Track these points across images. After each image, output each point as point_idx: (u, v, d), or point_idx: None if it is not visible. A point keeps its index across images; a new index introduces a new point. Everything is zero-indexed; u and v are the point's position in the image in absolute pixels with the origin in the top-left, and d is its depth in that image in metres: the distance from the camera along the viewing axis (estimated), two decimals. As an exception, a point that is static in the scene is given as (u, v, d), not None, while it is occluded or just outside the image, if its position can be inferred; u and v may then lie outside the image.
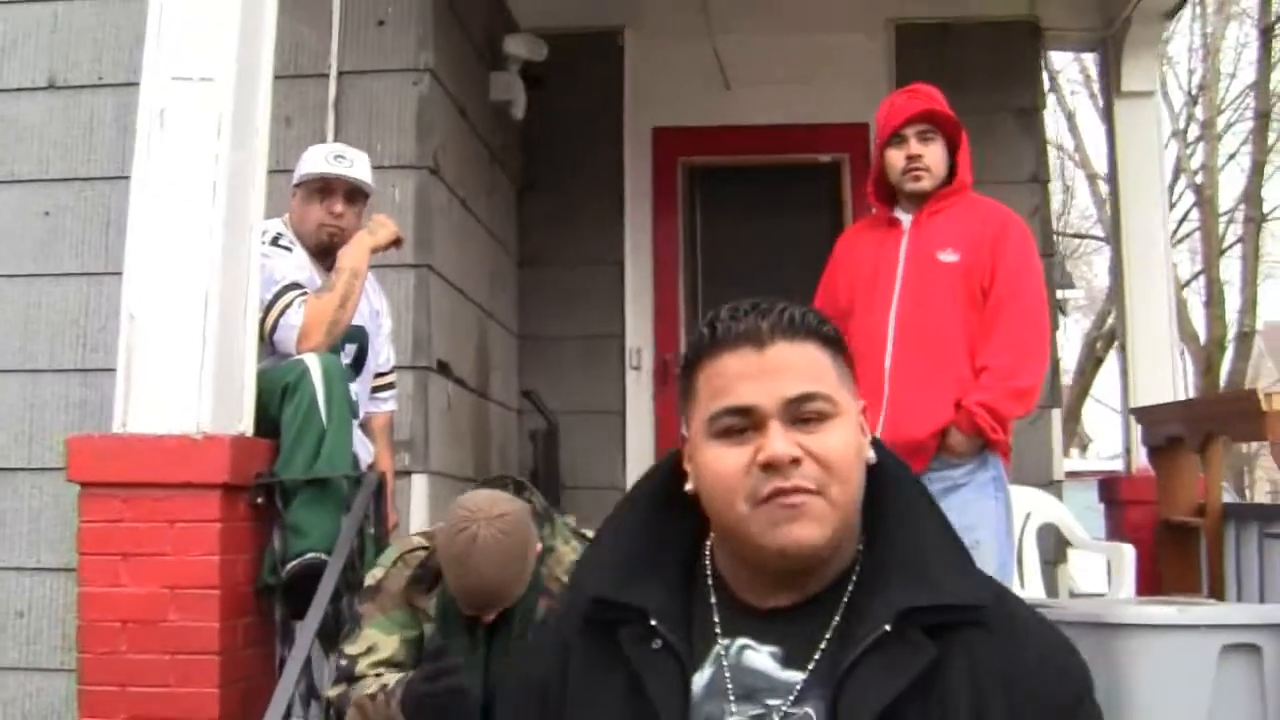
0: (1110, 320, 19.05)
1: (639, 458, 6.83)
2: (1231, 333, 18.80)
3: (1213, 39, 19.13)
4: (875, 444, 1.57)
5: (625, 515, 1.65)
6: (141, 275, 3.72)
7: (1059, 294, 16.58)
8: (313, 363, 3.79)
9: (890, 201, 4.18)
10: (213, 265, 3.68)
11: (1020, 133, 6.76)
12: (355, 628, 3.17)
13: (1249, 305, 18.95)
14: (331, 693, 3.19)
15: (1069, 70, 18.75)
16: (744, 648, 1.50)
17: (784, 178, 7.26)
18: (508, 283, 6.74)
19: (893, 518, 1.53)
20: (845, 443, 1.48)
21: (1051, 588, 6.22)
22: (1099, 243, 20.99)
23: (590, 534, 3.27)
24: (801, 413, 1.46)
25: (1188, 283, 19.89)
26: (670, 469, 1.62)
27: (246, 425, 3.78)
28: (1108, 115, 7.03)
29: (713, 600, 1.55)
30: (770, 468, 1.44)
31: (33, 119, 5.36)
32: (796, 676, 1.46)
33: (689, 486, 1.55)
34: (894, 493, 1.55)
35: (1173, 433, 5.74)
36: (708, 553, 1.59)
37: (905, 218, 4.11)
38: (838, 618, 1.48)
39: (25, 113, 5.37)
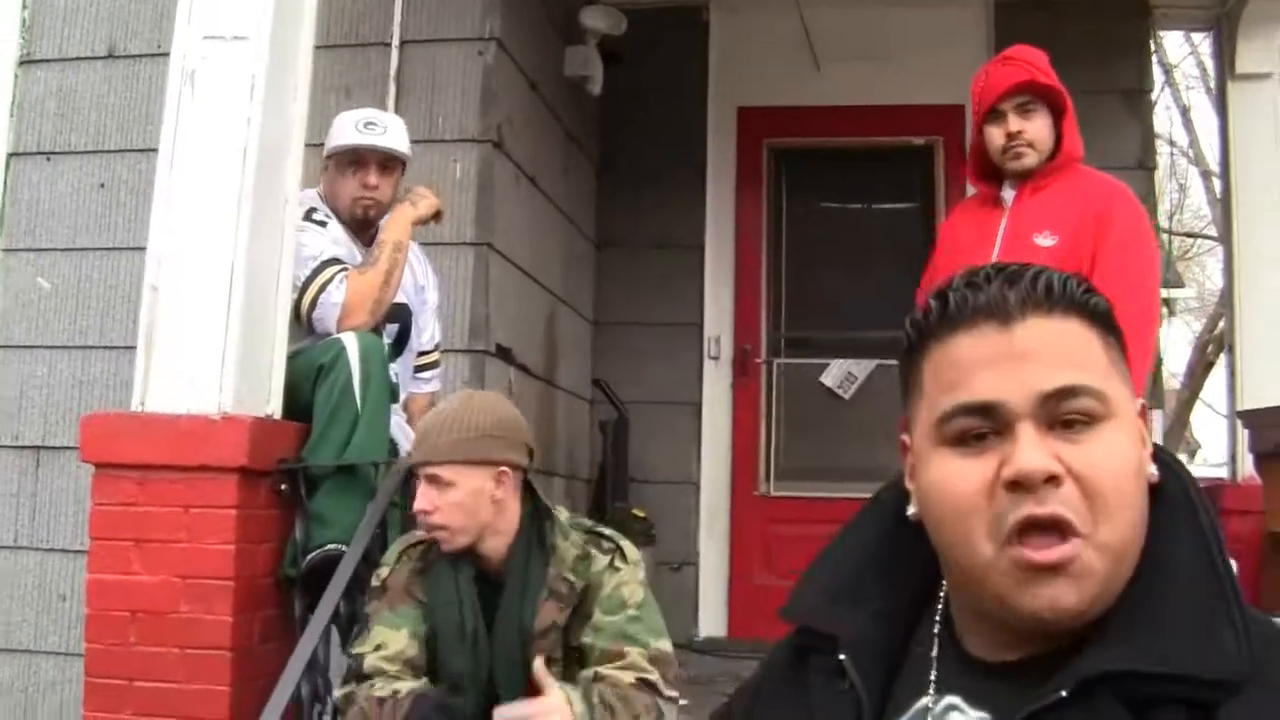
0: (1221, 324, 18.46)
1: (714, 452, 6.56)
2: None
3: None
4: (1161, 456, 1.19)
5: (848, 533, 1.34)
6: (165, 245, 3.53)
7: (1166, 293, 16.07)
8: (350, 342, 3.57)
9: (996, 181, 3.84)
10: (240, 236, 3.48)
11: (1126, 115, 6.35)
12: (364, 628, 2.95)
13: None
14: (338, 693, 2.96)
15: (1185, 64, 18.13)
16: (950, 709, 1.17)
17: (874, 161, 6.92)
18: (583, 266, 6.48)
19: (1154, 553, 1.14)
20: (1122, 457, 1.11)
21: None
22: (1212, 243, 20.30)
23: (607, 531, 3.05)
24: (1063, 413, 1.10)
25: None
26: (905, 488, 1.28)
27: (275, 407, 3.58)
28: (1220, 99, 6.60)
29: (934, 649, 1.22)
30: (1019, 487, 1.08)
31: (91, 89, 5.25)
32: None
33: (911, 510, 1.22)
34: (1165, 521, 1.15)
35: (1283, 439, 5.36)
36: (942, 591, 1.25)
37: (1008, 195, 3.77)
38: (1062, 694, 1.11)
39: (84, 83, 5.25)
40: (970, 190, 4.11)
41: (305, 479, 3.51)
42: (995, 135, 3.72)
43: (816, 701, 1.23)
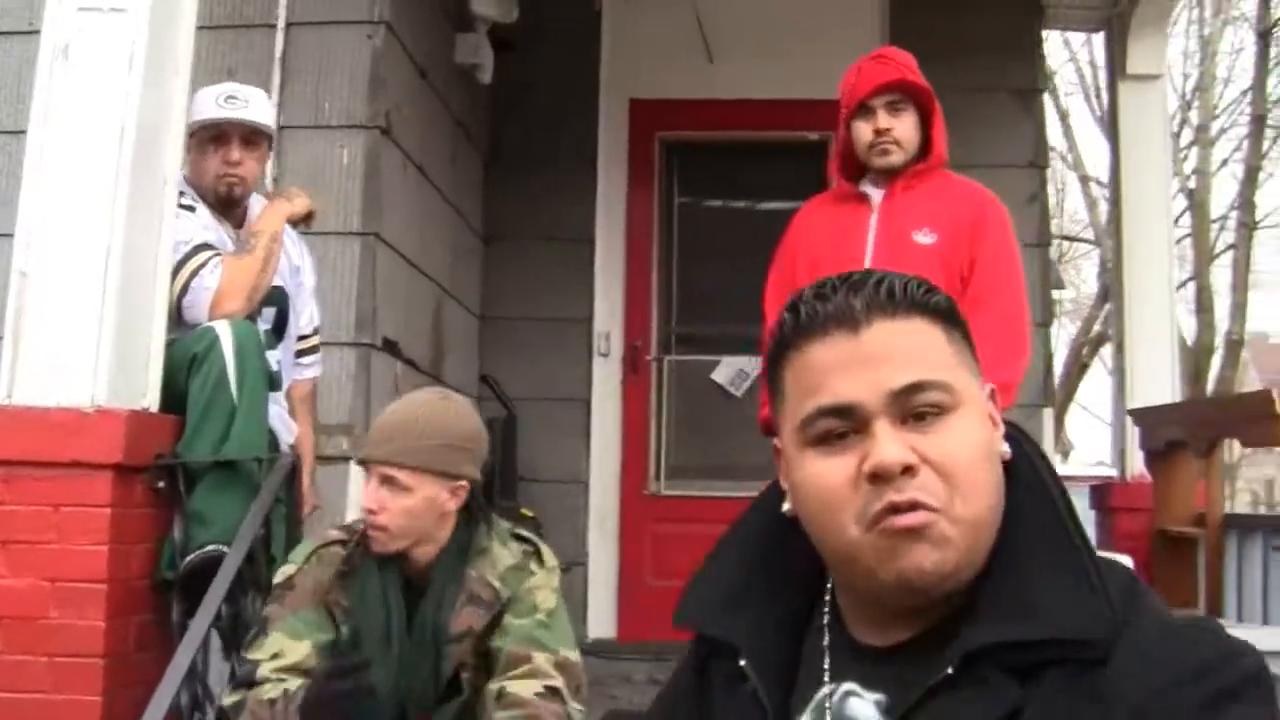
0: (1096, 326, 18.81)
1: (604, 450, 6.44)
2: (1220, 340, 18.52)
3: (1209, 41, 18.83)
4: (1011, 434, 1.28)
5: (733, 538, 1.40)
6: (35, 228, 3.33)
7: (1053, 294, 16.32)
8: (224, 331, 3.40)
9: (857, 178, 3.80)
10: (116, 218, 3.29)
11: (1019, 114, 6.36)
12: (260, 632, 2.77)
13: (1238, 313, 18.67)
14: (227, 700, 2.79)
15: (1065, 71, 18.47)
16: (848, 694, 1.24)
17: (769, 155, 6.86)
18: (470, 260, 6.32)
19: (1013, 527, 1.22)
20: (971, 441, 1.20)
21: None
22: (1088, 247, 20.69)
23: (526, 534, 2.91)
24: (913, 407, 1.19)
25: (1177, 288, 19.55)
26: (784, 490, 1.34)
27: (152, 400, 3.39)
28: (1112, 99, 6.66)
29: (825, 640, 1.29)
30: (879, 479, 1.17)
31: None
32: None
33: (786, 507, 1.29)
34: (1020, 496, 1.24)
35: (1174, 436, 5.42)
36: (830, 585, 1.32)
37: (874, 193, 3.72)
38: (949, 672, 1.18)
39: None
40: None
41: (184, 476, 3.32)
42: (863, 131, 3.68)
43: (719, 706, 1.30)
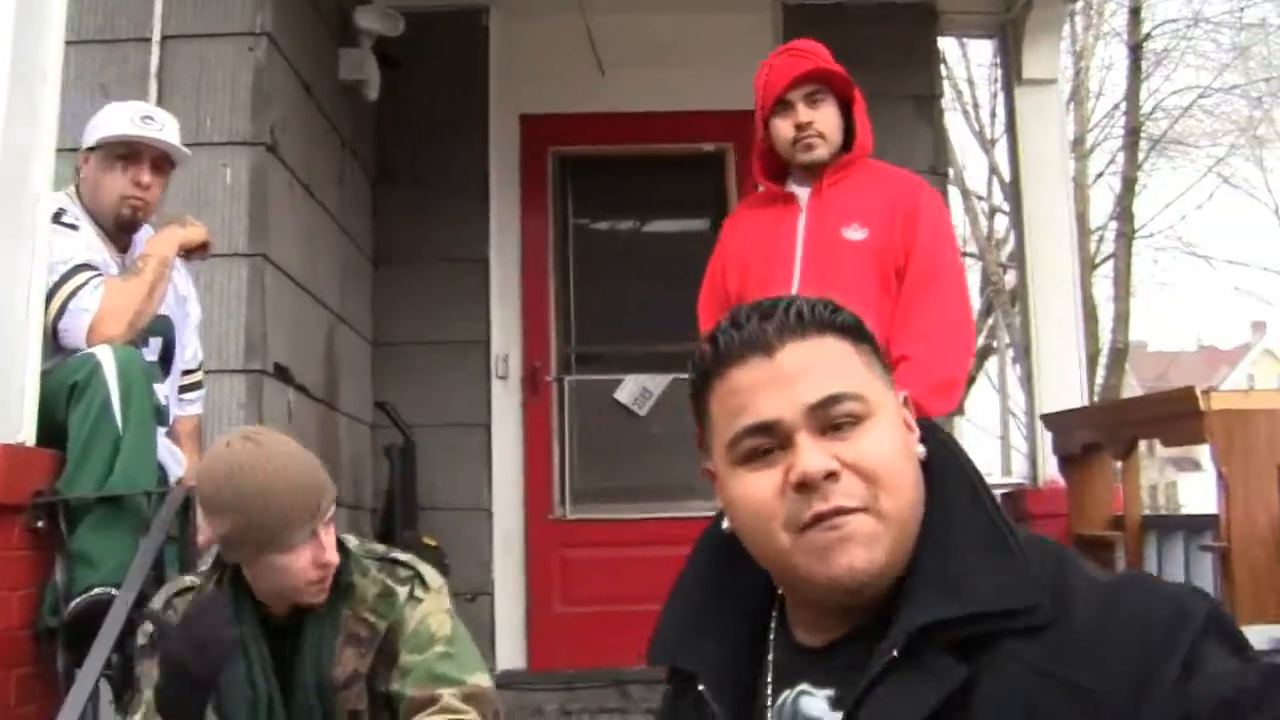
0: (980, 340, 18.96)
1: (506, 476, 6.22)
2: (1105, 349, 18.75)
3: (1081, 55, 19.14)
4: (925, 434, 1.38)
5: (685, 572, 1.51)
6: (-106, 251, 3.06)
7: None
8: (106, 356, 3.16)
9: (781, 178, 3.64)
10: (-19, 237, 3.04)
11: (918, 120, 6.30)
12: (136, 691, 2.52)
13: (1121, 321, 18.92)
14: None
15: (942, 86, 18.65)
16: (801, 694, 1.32)
17: (664, 168, 6.71)
18: (361, 283, 6.09)
19: (936, 517, 1.31)
20: (888, 445, 1.30)
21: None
22: (971, 262, 20.89)
23: (403, 557, 2.68)
24: (831, 418, 1.28)
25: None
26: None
27: (27, 434, 3.14)
28: (1009, 105, 6.63)
29: (771, 656, 1.38)
30: (805, 487, 1.26)
31: None
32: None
33: (725, 524, 1.38)
34: (939, 489, 1.33)
35: (1089, 440, 5.34)
36: (779, 595, 1.41)
37: (801, 192, 3.56)
38: (894, 655, 1.24)
39: None
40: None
41: (65, 514, 3.08)
42: (783, 127, 3.52)
43: None
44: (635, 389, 6.26)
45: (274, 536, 2.45)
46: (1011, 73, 6.50)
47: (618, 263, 6.60)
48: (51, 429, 3.17)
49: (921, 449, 1.35)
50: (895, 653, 1.20)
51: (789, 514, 1.26)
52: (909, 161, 6.03)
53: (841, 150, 3.56)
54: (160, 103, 4.46)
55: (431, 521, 5.86)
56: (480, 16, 6.41)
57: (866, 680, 1.21)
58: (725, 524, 1.37)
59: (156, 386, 3.48)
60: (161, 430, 3.53)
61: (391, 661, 2.55)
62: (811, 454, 1.25)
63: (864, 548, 1.24)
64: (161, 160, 3.58)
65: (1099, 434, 5.18)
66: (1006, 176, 7.97)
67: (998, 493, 6.54)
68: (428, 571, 2.67)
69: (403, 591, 2.60)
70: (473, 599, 5.99)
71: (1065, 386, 6.15)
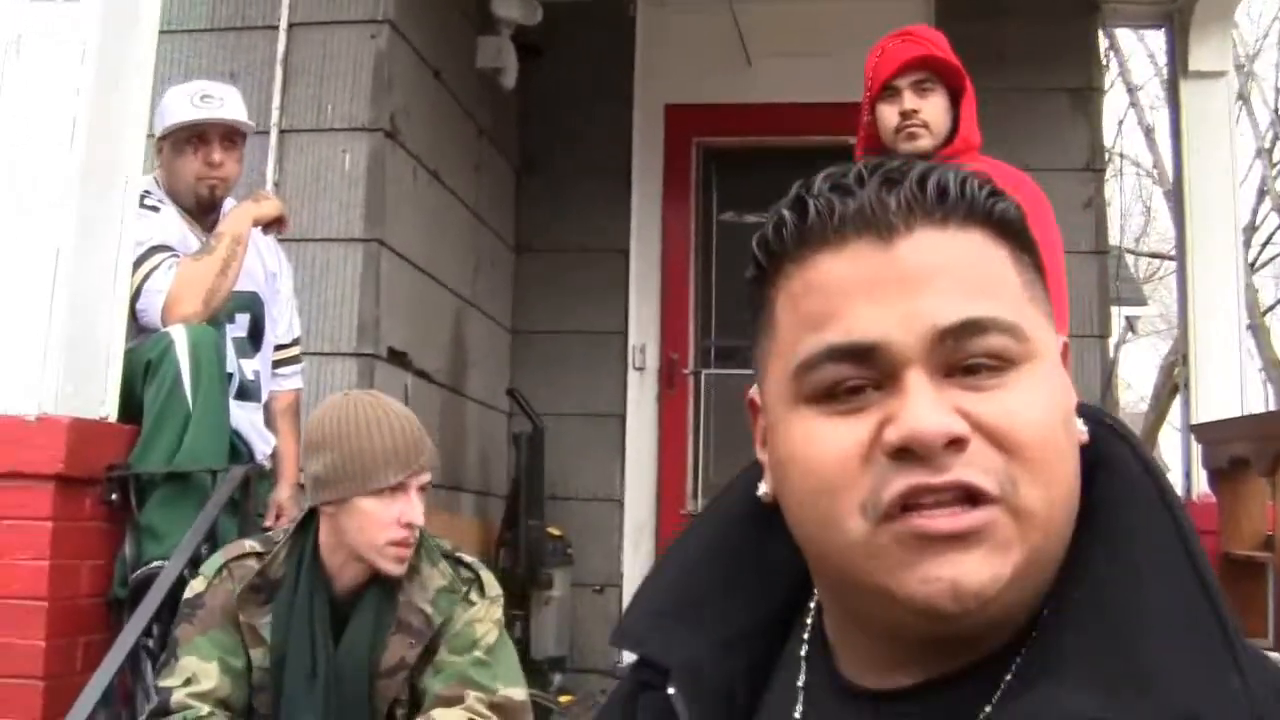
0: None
1: (639, 466, 6.21)
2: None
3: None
4: (1084, 410, 0.91)
5: (695, 531, 1.05)
6: (-16, 229, 3.17)
7: (1129, 310, 15.81)
8: (179, 336, 3.23)
9: None
10: (67, 216, 3.15)
11: (1074, 115, 6.05)
12: (171, 655, 2.56)
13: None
14: None
15: (1151, 86, 17.97)
16: None
17: (809, 160, 6.47)
18: (500, 270, 6.13)
19: (1106, 546, 0.85)
20: (1045, 406, 0.83)
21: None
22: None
23: (468, 559, 2.67)
24: (966, 355, 0.82)
25: (1270, 308, 18.93)
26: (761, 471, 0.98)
27: (109, 408, 3.23)
28: (1173, 98, 6.32)
29: (800, 680, 0.94)
30: (907, 453, 0.80)
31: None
32: None
33: (763, 489, 0.94)
34: (1117, 502, 0.86)
35: (1238, 453, 5.07)
36: (814, 599, 0.98)
37: None
38: (988, 710, 0.83)
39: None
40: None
41: (135, 488, 3.15)
42: (888, 114, 3.40)
43: None
44: (772, 384, 6.17)
45: (367, 474, 2.50)
46: (1178, 65, 6.19)
47: (761, 255, 6.49)
48: (131, 406, 3.26)
49: (1083, 428, 0.89)
50: None
51: (871, 489, 0.82)
52: (1063, 157, 5.86)
53: (946, 144, 3.43)
54: (285, 89, 4.58)
55: (559, 511, 5.87)
56: (626, 6, 6.39)
57: None
58: (763, 489, 0.95)
59: (246, 362, 3.56)
60: (254, 405, 3.61)
61: (430, 657, 2.54)
62: (927, 405, 0.81)
63: (988, 559, 0.80)
64: (231, 134, 3.63)
65: (1247, 447, 4.92)
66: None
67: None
68: (488, 579, 2.67)
69: (460, 591, 2.60)
70: (600, 590, 5.98)
71: (1226, 397, 5.83)
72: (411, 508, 2.53)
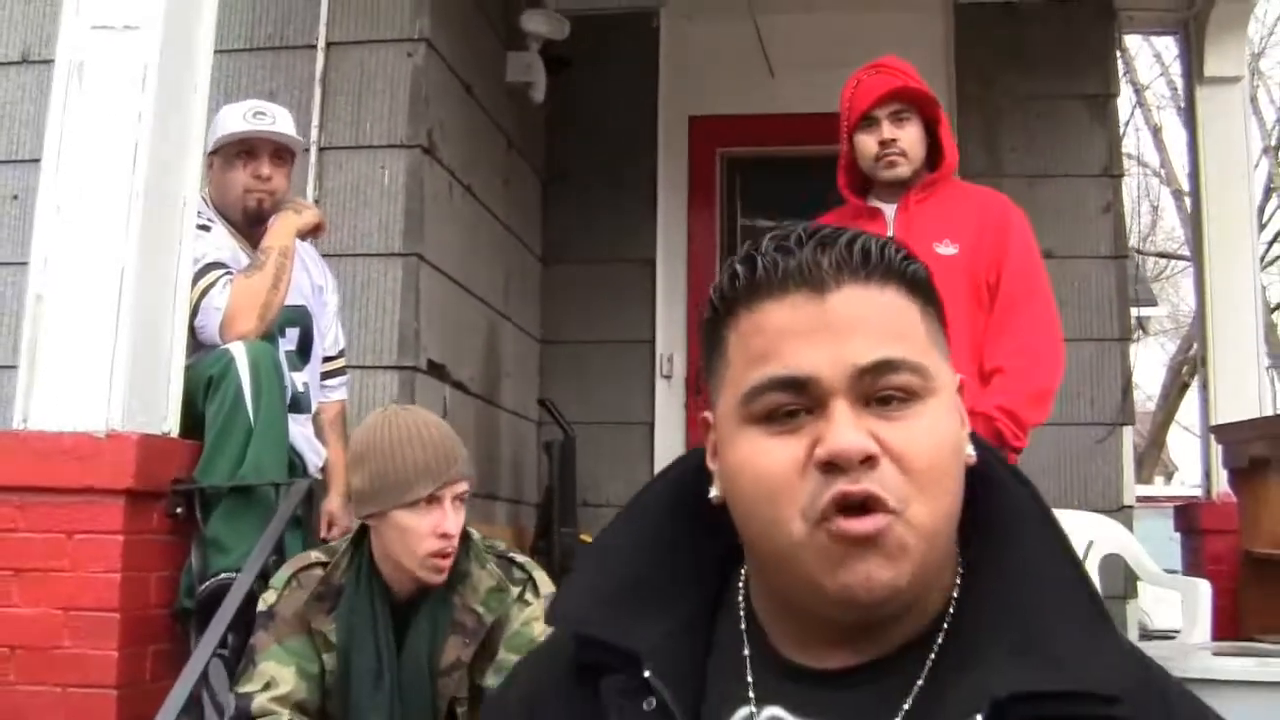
0: (1196, 346, 18.27)
1: (667, 473, 6.27)
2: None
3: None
4: (974, 436, 1.14)
5: (626, 526, 1.22)
6: (51, 251, 3.28)
7: (1138, 311, 15.88)
8: (239, 352, 3.33)
9: (863, 192, 3.76)
10: (130, 239, 3.25)
11: (1092, 122, 6.12)
12: (249, 662, 2.66)
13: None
14: None
15: (1157, 85, 18.05)
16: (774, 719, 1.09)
17: (832, 170, 6.66)
18: (529, 282, 6.24)
19: (999, 547, 1.09)
20: (941, 434, 1.06)
21: (1118, 627, 5.60)
22: (1187, 264, 20.18)
23: (520, 559, 2.77)
24: (879, 389, 1.04)
25: (1279, 306, 19.00)
26: (695, 468, 1.19)
27: (171, 424, 3.33)
28: (1189, 104, 6.43)
29: (745, 652, 1.13)
30: (833, 468, 1.01)
31: (4, 96, 4.99)
32: None
33: (714, 493, 1.14)
34: (1003, 511, 1.11)
35: (1257, 453, 5.16)
36: (741, 585, 1.18)
37: (886, 208, 3.67)
38: (915, 691, 1.06)
39: (-4, 89, 5.00)
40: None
41: (200, 501, 3.25)
42: (868, 143, 3.65)
43: None
44: (797, 391, 6.26)
45: (400, 488, 2.61)
46: (1193, 70, 6.29)
47: (784, 264, 6.58)
48: (191, 420, 3.35)
49: (972, 452, 1.11)
50: (981, 717, 0.99)
51: (808, 497, 1.03)
52: (1081, 164, 5.95)
53: (925, 169, 3.66)
54: (324, 107, 4.68)
55: (592, 518, 5.95)
56: (650, 19, 6.47)
57: None
58: (714, 493, 1.14)
59: (296, 375, 3.65)
60: (304, 417, 3.71)
61: (490, 656, 2.64)
62: (848, 428, 1.02)
63: (889, 562, 1.02)
64: (281, 151, 3.74)
65: (1267, 447, 5.01)
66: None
67: (1171, 505, 6.39)
68: (541, 578, 2.78)
69: (514, 591, 2.72)
70: (631, 595, 6.06)
71: (1244, 397, 5.92)
72: (447, 518, 2.63)
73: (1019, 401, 3.39)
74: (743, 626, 1.15)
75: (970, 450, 1.11)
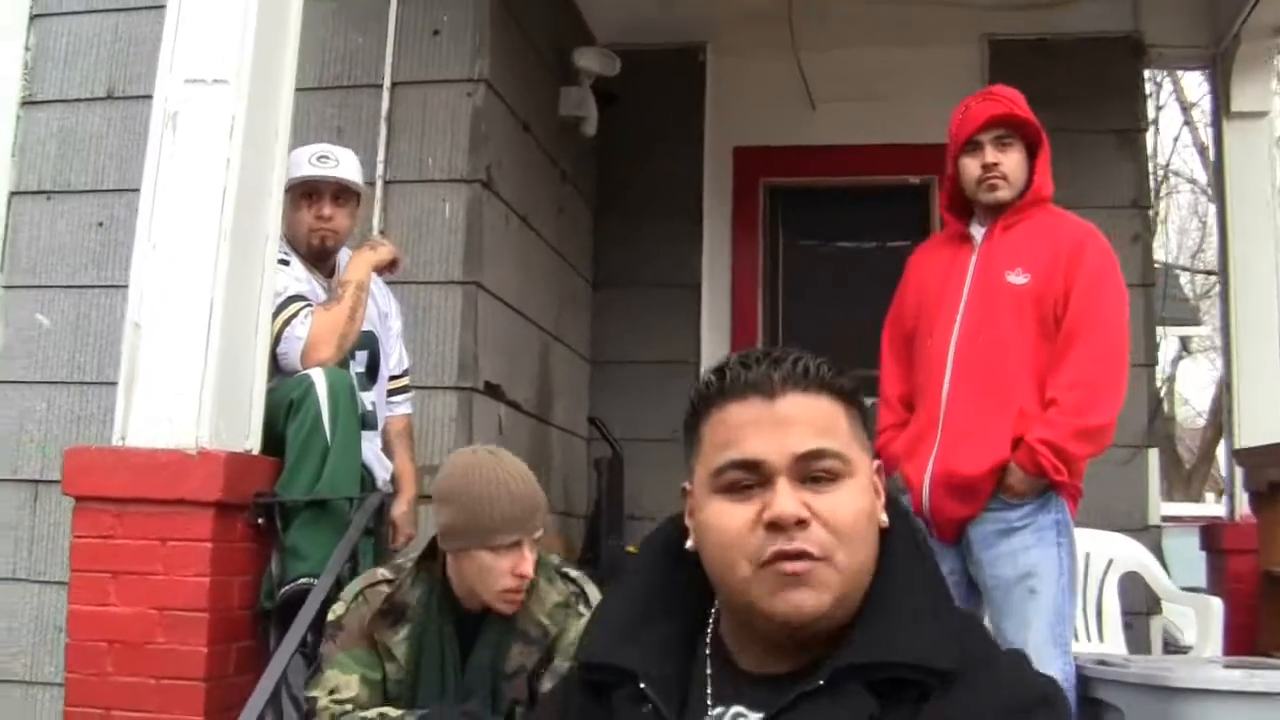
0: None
1: (711, 490, 6.52)
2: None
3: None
4: (890, 504, 1.51)
5: (629, 576, 1.60)
6: (147, 283, 3.59)
7: (1182, 331, 15.96)
8: (319, 378, 3.63)
9: (965, 215, 3.86)
10: (219, 274, 3.54)
11: (1120, 155, 6.38)
12: (318, 669, 2.97)
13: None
14: None
15: (1204, 103, 18.10)
16: (737, 716, 1.43)
17: (871, 200, 6.97)
18: (579, 305, 6.55)
19: (886, 578, 1.44)
20: (856, 506, 1.42)
21: (1140, 641, 5.81)
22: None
23: (574, 574, 3.05)
24: (812, 470, 1.40)
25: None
26: (678, 525, 1.57)
27: (254, 442, 3.64)
28: (1216, 138, 6.63)
29: (708, 668, 1.49)
30: (775, 528, 1.38)
31: (90, 129, 5.34)
32: None
33: (690, 544, 1.50)
34: (892, 553, 1.46)
35: (1276, 478, 5.35)
36: (713, 613, 1.53)
37: (978, 232, 3.79)
38: (820, 684, 1.39)
39: (83, 123, 5.35)
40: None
41: (280, 513, 3.56)
42: (971, 166, 3.75)
43: None
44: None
45: (486, 533, 2.85)
46: (1221, 105, 6.48)
47: (825, 290, 6.88)
48: (272, 439, 3.66)
49: (884, 518, 1.46)
50: (821, 681, 1.34)
51: (755, 548, 1.37)
52: (1111, 196, 6.17)
53: (1022, 194, 3.75)
54: (388, 144, 4.99)
55: (638, 530, 6.20)
56: (697, 54, 6.79)
57: (791, 696, 1.36)
58: (689, 544, 1.49)
59: (364, 394, 3.95)
60: (372, 433, 4.01)
61: (548, 661, 2.92)
62: (788, 499, 1.37)
63: (814, 592, 1.36)
64: (342, 192, 4.04)
65: (1283, 472, 5.20)
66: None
67: (1196, 525, 6.55)
68: (592, 591, 3.03)
69: (573, 606, 2.97)
70: (676, 607, 6.32)
71: (1268, 420, 6.09)
72: (525, 562, 2.88)
73: (1065, 435, 3.48)
74: (708, 648, 1.50)
75: (883, 518, 1.47)
